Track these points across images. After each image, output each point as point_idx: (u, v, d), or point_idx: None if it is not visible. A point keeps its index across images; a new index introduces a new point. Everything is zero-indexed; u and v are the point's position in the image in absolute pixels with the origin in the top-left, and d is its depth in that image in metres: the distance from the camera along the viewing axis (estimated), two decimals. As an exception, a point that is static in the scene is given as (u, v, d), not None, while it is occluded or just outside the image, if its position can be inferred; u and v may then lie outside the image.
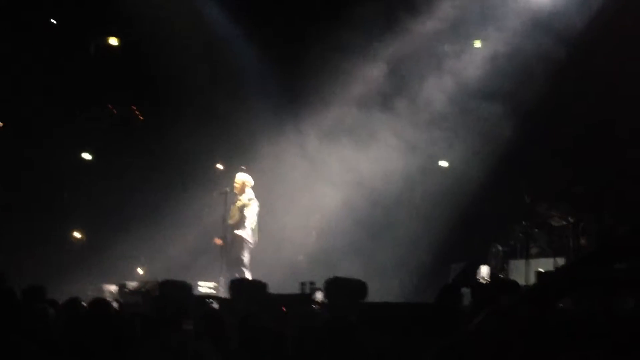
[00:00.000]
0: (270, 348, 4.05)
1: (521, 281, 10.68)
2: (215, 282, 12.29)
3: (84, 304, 6.76)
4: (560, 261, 11.32)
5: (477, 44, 14.02)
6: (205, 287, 12.36)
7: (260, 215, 12.49)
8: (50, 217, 15.85)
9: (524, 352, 2.50)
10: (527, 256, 11.72)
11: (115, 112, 18.06)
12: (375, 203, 14.08)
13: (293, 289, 9.85)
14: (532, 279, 10.91)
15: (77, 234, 16.95)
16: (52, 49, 15.86)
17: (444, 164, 14.79)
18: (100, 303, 6.49)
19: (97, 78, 16.54)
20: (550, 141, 13.15)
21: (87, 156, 17.24)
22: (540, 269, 11.12)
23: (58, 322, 5.34)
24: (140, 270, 14.84)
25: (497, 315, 2.40)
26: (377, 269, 13.19)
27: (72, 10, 15.89)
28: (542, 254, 12.16)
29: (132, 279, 11.90)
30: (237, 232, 12.14)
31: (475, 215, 13.49)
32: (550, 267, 11.22)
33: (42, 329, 4.86)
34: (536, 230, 12.46)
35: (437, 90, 13.76)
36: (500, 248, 12.81)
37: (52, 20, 16.53)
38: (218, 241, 12.49)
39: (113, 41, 16.52)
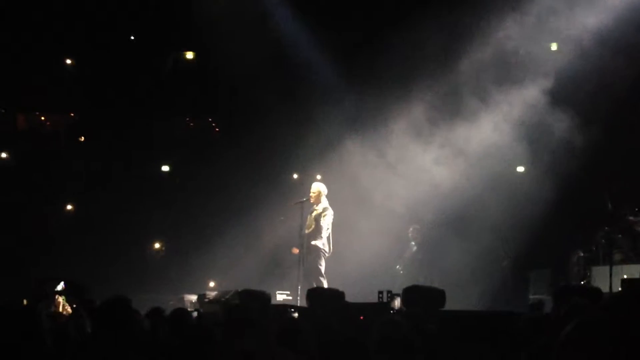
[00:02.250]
0: (349, 357, 4.04)
1: (604, 288, 10.39)
2: (292, 291, 12.36)
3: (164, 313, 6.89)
4: (646, 268, 10.98)
5: (554, 46, 13.76)
6: (283, 295, 12.46)
7: (335, 225, 12.49)
8: (131, 228, 16.22)
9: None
10: (611, 263, 11.39)
11: (192, 124, 18.45)
12: (451, 209, 13.92)
13: (366, 297, 9.80)
14: (616, 286, 10.59)
15: (157, 245, 17.32)
16: (130, 64, 16.30)
17: (520, 169, 14.54)
18: (181, 313, 6.62)
19: (174, 91, 16.93)
20: (634, 144, 12.78)
21: (165, 168, 17.65)
22: (625, 276, 10.79)
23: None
24: (217, 281, 15.05)
25: (587, 325, 2.33)
26: (455, 276, 13.03)
27: (150, 26, 16.30)
28: (626, 260, 11.81)
29: (211, 289, 12.08)
30: (313, 242, 12.18)
31: (556, 221, 13.20)
32: (636, 274, 10.87)
33: (138, 337, 4.98)
34: (619, 236, 12.11)
35: (515, 94, 13.53)
36: (582, 254, 12.50)
37: (131, 37, 17.01)
38: (295, 250, 12.56)
39: (190, 55, 16.90)
